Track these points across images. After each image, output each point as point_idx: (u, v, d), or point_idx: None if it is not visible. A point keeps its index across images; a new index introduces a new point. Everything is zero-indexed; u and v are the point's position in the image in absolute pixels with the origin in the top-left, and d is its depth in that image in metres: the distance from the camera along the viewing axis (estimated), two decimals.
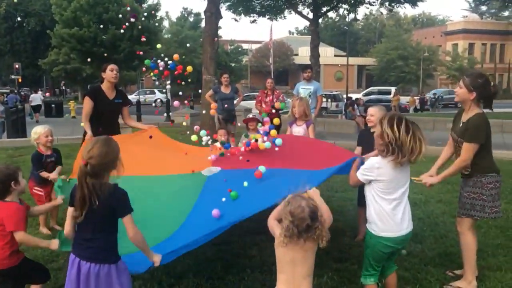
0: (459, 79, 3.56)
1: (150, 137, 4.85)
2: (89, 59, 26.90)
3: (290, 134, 5.33)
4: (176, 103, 5.70)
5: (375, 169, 2.86)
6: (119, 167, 2.65)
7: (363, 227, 4.61)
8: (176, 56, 4.57)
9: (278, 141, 4.16)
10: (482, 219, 3.66)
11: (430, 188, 3.73)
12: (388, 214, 2.86)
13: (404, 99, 32.31)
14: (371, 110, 4.38)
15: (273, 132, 4.35)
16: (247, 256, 4.20)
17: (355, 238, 4.67)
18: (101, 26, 25.69)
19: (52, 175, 4.63)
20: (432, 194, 6.30)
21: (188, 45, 40.92)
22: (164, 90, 35.77)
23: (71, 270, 2.64)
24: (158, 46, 5.46)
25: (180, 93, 5.71)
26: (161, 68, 4.80)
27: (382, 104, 29.34)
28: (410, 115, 24.66)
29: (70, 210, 2.68)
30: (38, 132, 4.82)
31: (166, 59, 4.84)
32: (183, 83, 5.01)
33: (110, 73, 5.15)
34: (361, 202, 4.48)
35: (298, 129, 5.39)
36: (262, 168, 3.64)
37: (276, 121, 4.42)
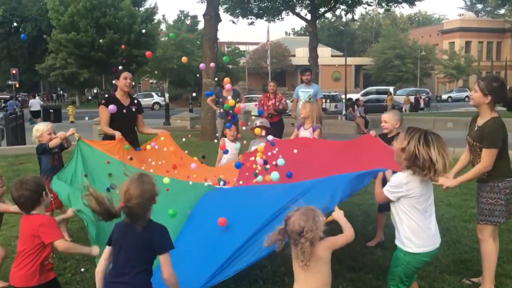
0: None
1: (131, 158, 4.55)
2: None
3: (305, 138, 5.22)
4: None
5: (403, 184, 2.77)
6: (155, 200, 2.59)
7: (380, 233, 4.56)
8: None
9: (280, 161, 4.02)
10: (500, 224, 3.60)
11: (445, 191, 3.68)
12: (423, 228, 2.79)
13: (399, 99, 32.18)
14: (385, 116, 4.35)
15: (257, 130, 4.32)
16: (258, 266, 4.10)
17: (367, 243, 4.59)
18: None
19: (70, 131, 4.49)
20: (440, 198, 6.22)
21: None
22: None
23: None
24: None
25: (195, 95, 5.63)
26: None
27: (380, 104, 29.52)
28: (406, 115, 24.62)
29: (108, 250, 2.62)
30: (40, 129, 4.65)
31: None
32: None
33: (124, 81, 5.10)
34: (382, 208, 4.45)
35: (305, 133, 5.33)
36: (274, 176, 3.59)
37: (257, 131, 4.35)
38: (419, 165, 2.68)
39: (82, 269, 4.03)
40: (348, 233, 2.60)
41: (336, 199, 2.88)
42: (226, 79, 3.94)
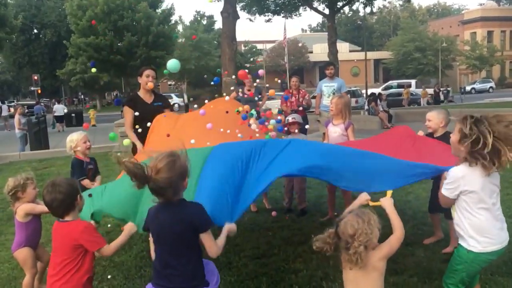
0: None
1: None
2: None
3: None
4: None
5: (459, 179, 2.51)
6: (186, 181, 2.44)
7: (438, 232, 4.37)
8: None
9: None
10: None
11: None
12: (487, 227, 2.54)
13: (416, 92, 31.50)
14: (429, 115, 4.15)
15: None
16: (293, 271, 3.88)
17: (424, 240, 4.37)
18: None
19: (97, 184, 4.34)
20: None
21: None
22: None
23: None
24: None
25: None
26: None
27: (402, 98, 28.90)
28: (423, 108, 24.02)
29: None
30: (75, 139, 4.45)
31: None
32: None
33: (146, 79, 4.87)
34: (432, 209, 4.27)
35: (335, 129, 5.07)
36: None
37: None
38: (481, 153, 2.39)
39: (109, 276, 3.90)
40: (399, 232, 2.33)
41: (385, 183, 2.74)
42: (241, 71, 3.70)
